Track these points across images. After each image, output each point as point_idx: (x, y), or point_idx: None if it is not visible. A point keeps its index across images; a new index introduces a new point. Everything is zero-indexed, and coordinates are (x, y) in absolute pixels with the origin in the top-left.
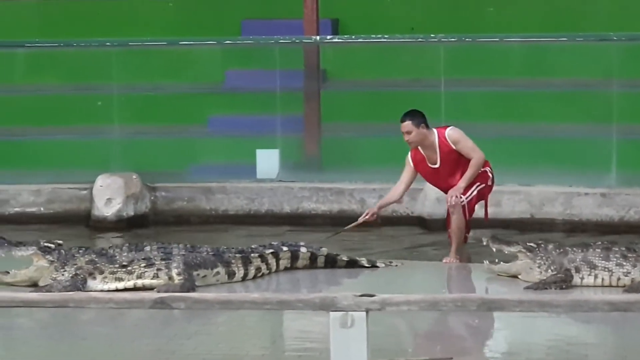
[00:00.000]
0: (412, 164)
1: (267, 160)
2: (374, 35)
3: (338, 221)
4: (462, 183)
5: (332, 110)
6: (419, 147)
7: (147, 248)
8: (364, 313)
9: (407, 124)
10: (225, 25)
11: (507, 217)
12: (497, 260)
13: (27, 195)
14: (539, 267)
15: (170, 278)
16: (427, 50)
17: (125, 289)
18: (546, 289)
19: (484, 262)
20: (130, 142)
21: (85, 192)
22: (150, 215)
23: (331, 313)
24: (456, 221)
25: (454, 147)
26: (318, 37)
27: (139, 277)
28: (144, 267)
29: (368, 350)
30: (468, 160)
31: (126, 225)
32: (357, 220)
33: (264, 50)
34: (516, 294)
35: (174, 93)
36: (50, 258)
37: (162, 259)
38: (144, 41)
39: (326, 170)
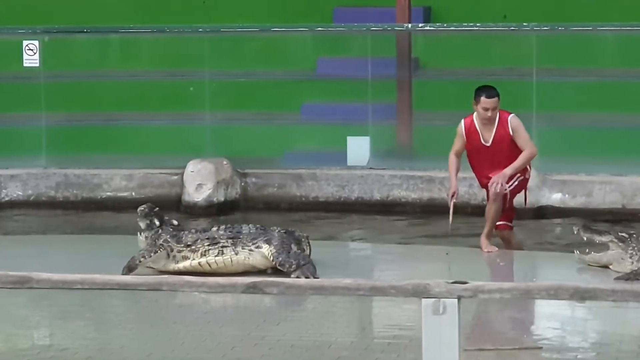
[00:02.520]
0: (464, 133)
1: (358, 148)
2: (466, 24)
3: (428, 209)
4: (508, 171)
5: (424, 99)
6: (477, 122)
7: (214, 228)
8: (456, 300)
9: (497, 100)
10: (317, 13)
11: (597, 207)
12: (587, 250)
13: (119, 180)
14: (630, 257)
15: (237, 253)
16: (519, 39)
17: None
18: (638, 279)
19: (575, 252)
20: (222, 128)
21: (176, 177)
22: (241, 201)
23: (423, 300)
24: (497, 207)
25: (510, 133)
26: (410, 25)
27: (204, 255)
28: (207, 245)
29: (460, 337)
30: (516, 154)
31: (216, 210)
32: (448, 209)
33: (356, 37)
34: (609, 283)
35: (266, 80)
36: (146, 234)
37: (228, 238)
38: (236, 28)
39: (417, 158)
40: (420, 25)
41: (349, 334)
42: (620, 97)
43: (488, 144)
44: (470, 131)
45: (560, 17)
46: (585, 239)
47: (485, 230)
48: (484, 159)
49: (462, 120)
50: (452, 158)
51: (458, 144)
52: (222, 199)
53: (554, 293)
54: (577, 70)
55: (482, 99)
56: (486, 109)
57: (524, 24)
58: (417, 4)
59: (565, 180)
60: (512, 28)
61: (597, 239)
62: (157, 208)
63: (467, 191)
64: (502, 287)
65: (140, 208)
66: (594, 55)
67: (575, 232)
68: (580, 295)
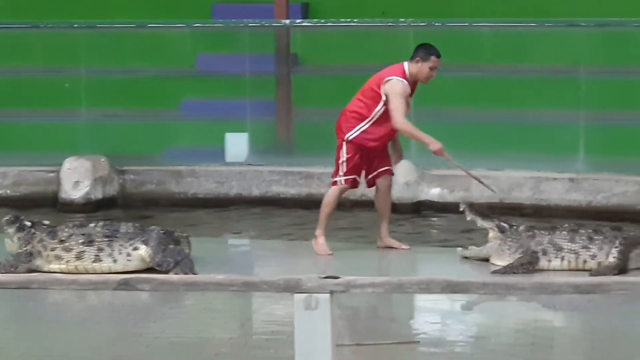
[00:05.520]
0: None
1: (236, 144)
2: (344, 20)
3: (307, 205)
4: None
5: (303, 95)
6: (408, 80)
7: (92, 224)
8: (328, 295)
9: None
10: (196, 8)
11: (475, 202)
12: (468, 247)
13: None
14: (509, 249)
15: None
16: (397, 35)
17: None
18: (514, 273)
19: (457, 249)
20: (100, 125)
21: (52, 174)
22: (119, 198)
23: (295, 295)
24: (391, 199)
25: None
26: (288, 21)
27: (78, 257)
28: (81, 243)
29: (332, 332)
30: None
31: (94, 208)
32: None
33: (235, 34)
34: (480, 276)
35: (144, 76)
36: (19, 235)
37: (105, 236)
38: (112, 24)
39: (298, 154)
40: (298, 21)
41: (228, 330)
42: (498, 92)
43: (409, 101)
44: (408, 90)
45: (437, 13)
46: (469, 218)
47: (386, 224)
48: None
49: (397, 77)
50: (407, 121)
51: (404, 105)
52: (99, 196)
53: (426, 287)
54: (454, 66)
55: (434, 58)
56: (434, 69)
57: (401, 19)
58: (295, 0)
59: (443, 175)
60: (390, 24)
61: (480, 222)
62: (23, 216)
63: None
64: (374, 282)
65: (5, 218)
66: (471, 51)
67: (461, 209)
68: (452, 288)
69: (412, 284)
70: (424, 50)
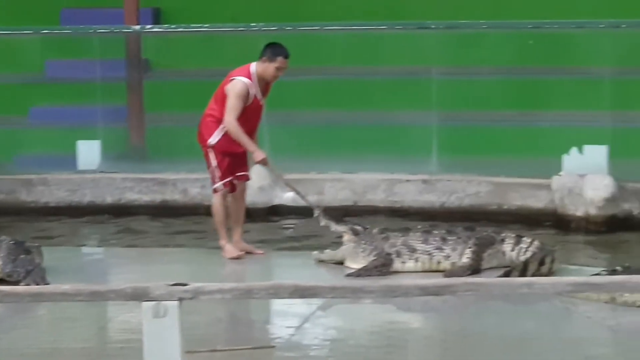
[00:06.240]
0: (248, 92)
1: (88, 151)
2: (194, 25)
3: (161, 211)
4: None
5: (155, 100)
6: (255, 79)
7: None
8: (177, 302)
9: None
10: (44, 14)
11: (329, 205)
12: (324, 251)
13: None
14: (363, 251)
15: None
16: (248, 39)
17: None
18: (368, 275)
19: (312, 253)
20: None
21: None
22: None
23: (143, 303)
24: (245, 202)
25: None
26: (138, 27)
27: None
28: None
29: (182, 339)
30: None
31: None
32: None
33: (84, 39)
34: (331, 280)
35: None
36: None
37: None
38: None
39: (151, 160)
40: (148, 26)
41: (82, 340)
42: (350, 94)
43: (262, 102)
44: (252, 89)
45: (288, 17)
46: (322, 223)
47: (240, 229)
48: (254, 119)
49: (240, 78)
50: (238, 124)
51: (240, 105)
52: None
53: (274, 292)
54: (305, 69)
55: (281, 59)
56: (281, 69)
57: (252, 24)
58: (146, 5)
59: (297, 179)
60: (241, 28)
61: (334, 227)
62: None
63: (200, 192)
64: (223, 288)
65: None
66: (322, 54)
67: (315, 215)
68: (300, 293)
69: (261, 289)
70: (271, 50)
